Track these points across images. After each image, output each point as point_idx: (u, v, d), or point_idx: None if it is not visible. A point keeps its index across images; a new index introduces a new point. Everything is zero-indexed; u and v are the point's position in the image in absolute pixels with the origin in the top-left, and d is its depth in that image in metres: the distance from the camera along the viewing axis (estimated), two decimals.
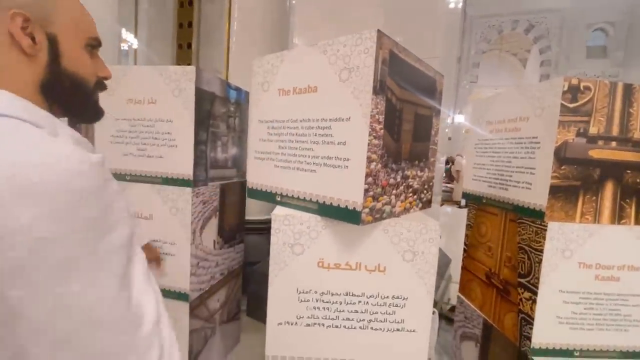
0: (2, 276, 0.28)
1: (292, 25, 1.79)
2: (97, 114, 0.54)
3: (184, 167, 1.22)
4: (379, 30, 0.74)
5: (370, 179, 0.78)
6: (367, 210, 0.78)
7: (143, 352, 0.34)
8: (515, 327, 1.14)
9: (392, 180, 0.87)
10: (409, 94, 0.90)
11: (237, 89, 1.51)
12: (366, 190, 0.77)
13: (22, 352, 0.30)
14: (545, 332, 1.05)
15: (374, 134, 0.77)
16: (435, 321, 1.73)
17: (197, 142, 1.23)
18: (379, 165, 0.80)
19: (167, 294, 1.28)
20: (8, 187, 0.28)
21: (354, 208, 0.78)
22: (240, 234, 1.67)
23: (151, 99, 1.22)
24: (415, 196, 1.01)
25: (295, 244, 0.87)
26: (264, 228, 2.41)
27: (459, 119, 10.03)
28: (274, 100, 0.97)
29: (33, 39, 0.40)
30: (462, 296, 1.49)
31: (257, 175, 1.03)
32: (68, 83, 0.44)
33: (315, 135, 0.86)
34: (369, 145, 0.76)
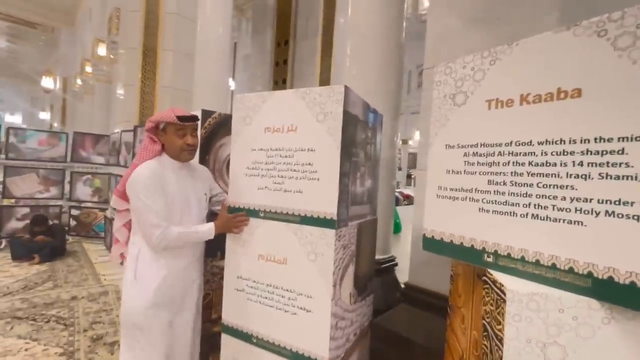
0: None
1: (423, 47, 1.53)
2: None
3: (327, 204, 1.01)
4: None
5: None
6: None
7: None
8: None
9: None
10: None
11: (375, 112, 1.30)
12: None
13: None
14: None
15: None
16: None
17: (342, 174, 1.02)
18: None
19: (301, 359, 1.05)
20: None
21: None
22: (371, 283, 1.38)
23: (291, 126, 1.07)
24: None
25: (549, 343, 0.53)
26: (376, 269, 2.10)
27: None
28: (475, 117, 0.69)
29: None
30: None
31: (445, 221, 0.74)
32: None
33: (586, 165, 0.54)
34: None
